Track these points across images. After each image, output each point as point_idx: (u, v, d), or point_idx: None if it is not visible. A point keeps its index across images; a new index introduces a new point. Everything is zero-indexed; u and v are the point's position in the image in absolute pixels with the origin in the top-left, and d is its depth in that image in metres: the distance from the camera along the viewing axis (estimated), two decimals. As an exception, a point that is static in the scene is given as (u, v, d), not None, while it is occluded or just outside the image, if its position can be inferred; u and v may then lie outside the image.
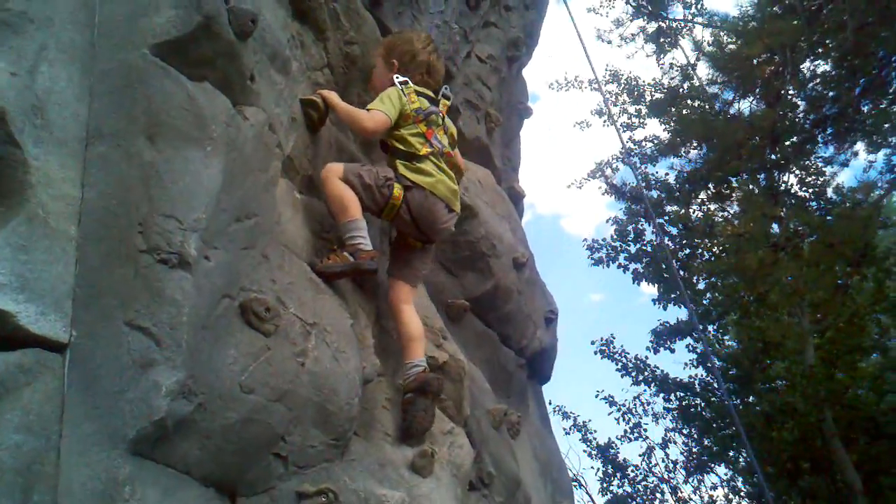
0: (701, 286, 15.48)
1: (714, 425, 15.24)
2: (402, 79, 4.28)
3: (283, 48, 3.72)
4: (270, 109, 3.53)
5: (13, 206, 2.44)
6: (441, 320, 4.77)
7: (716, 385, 15.31)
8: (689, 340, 15.46)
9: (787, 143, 14.77)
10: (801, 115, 15.06)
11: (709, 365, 15.27)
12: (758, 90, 14.98)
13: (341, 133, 4.43)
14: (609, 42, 17.41)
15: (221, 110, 3.07)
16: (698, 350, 15.36)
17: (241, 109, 3.27)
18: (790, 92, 14.87)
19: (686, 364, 15.85)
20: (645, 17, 16.47)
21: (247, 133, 3.22)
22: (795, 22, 13.10)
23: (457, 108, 5.60)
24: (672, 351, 15.39)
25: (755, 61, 14.06)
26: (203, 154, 2.89)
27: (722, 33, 15.93)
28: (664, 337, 15.35)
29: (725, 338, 17.12)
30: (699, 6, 16.31)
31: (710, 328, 15.94)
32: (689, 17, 16.53)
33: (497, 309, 5.73)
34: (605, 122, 17.22)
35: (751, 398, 15.49)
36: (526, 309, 6.09)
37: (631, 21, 16.92)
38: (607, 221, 16.09)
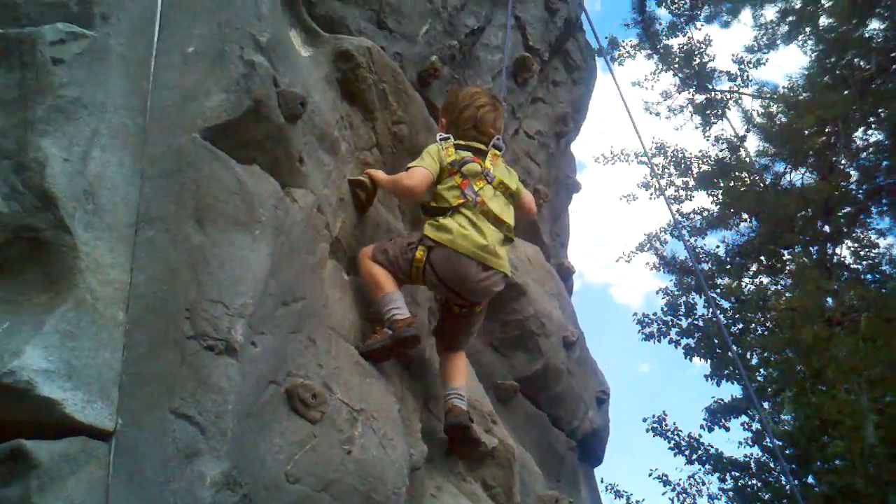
0: (754, 361, 15.10)
1: (772, 508, 14.72)
2: (442, 135, 4.21)
3: (331, 129, 3.73)
4: (319, 191, 3.52)
5: (62, 292, 2.44)
6: (490, 403, 4.66)
7: (772, 465, 14.83)
8: (744, 418, 15.04)
9: (840, 214, 14.53)
10: (854, 186, 14.84)
11: (767, 444, 14.80)
12: (810, 162, 14.83)
13: (389, 213, 4.41)
14: (657, 114, 17.45)
15: (270, 193, 3.07)
16: (753, 428, 14.92)
17: (289, 192, 3.27)
18: (842, 162, 14.70)
19: (740, 443, 15.38)
20: (692, 90, 16.49)
21: (295, 216, 3.21)
22: (847, 92, 12.98)
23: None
24: (727, 430, 14.97)
25: (806, 132, 13.93)
26: (251, 238, 2.88)
27: (772, 105, 15.88)
28: (718, 415, 14.96)
29: (782, 415, 16.66)
30: (745, 77, 16.32)
31: (765, 405, 15.52)
32: (736, 89, 16.52)
33: (547, 389, 5.60)
34: (651, 195, 17.12)
35: (809, 478, 14.96)
36: (577, 389, 5.95)
37: (678, 93, 16.96)
38: (657, 293, 15.86)
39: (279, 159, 3.23)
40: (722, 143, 16.79)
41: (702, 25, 15.33)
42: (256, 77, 3.05)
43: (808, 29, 14.67)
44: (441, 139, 4.17)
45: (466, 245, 3.86)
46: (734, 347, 13.40)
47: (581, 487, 6.14)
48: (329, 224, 3.60)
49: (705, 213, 16.35)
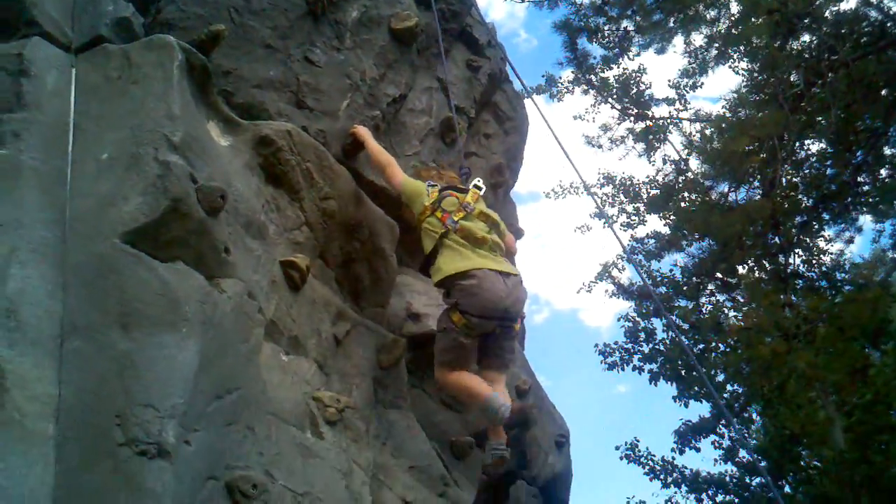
0: (720, 378, 15.21)
1: (751, 522, 14.77)
2: (431, 183, 4.63)
3: (257, 215, 3.78)
4: (248, 277, 3.56)
5: (-12, 414, 2.46)
6: (441, 466, 4.67)
7: (748, 479, 14.93)
8: (713, 437, 15.11)
9: (790, 225, 14.75)
10: (801, 196, 15.08)
11: (739, 459, 14.91)
12: (752, 179, 15.07)
13: (326, 287, 4.45)
14: (600, 146, 17.62)
15: (195, 289, 3.10)
16: (724, 446, 15.00)
17: (217, 283, 3.30)
18: (789, 172, 14.91)
19: (716, 460, 15.45)
20: (631, 119, 16.72)
21: (224, 307, 3.24)
22: (779, 109, 13.23)
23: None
24: (698, 450, 15.01)
25: (746, 150, 14.14)
26: (178, 337, 2.91)
27: (708, 128, 16.14)
28: (689, 436, 15.01)
29: (753, 428, 16.80)
30: (683, 101, 16.59)
31: (734, 421, 15.61)
32: (675, 113, 16.79)
33: (503, 440, 5.63)
34: (604, 223, 17.28)
35: (786, 489, 15.05)
36: (534, 436, 5.99)
37: (618, 124, 17.17)
38: (617, 320, 16.01)
39: (204, 253, 3.26)
40: (668, 167, 17.02)
41: (636, 55, 15.57)
42: (172, 176, 3.10)
43: (741, 48, 14.97)
44: (429, 185, 4.60)
45: (482, 262, 4.22)
46: (699, 366, 13.60)
47: (547, 533, 6.16)
48: (262, 308, 3.63)
49: (659, 237, 16.51)
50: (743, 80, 15.61)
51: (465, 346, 4.22)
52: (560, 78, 16.61)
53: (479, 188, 4.72)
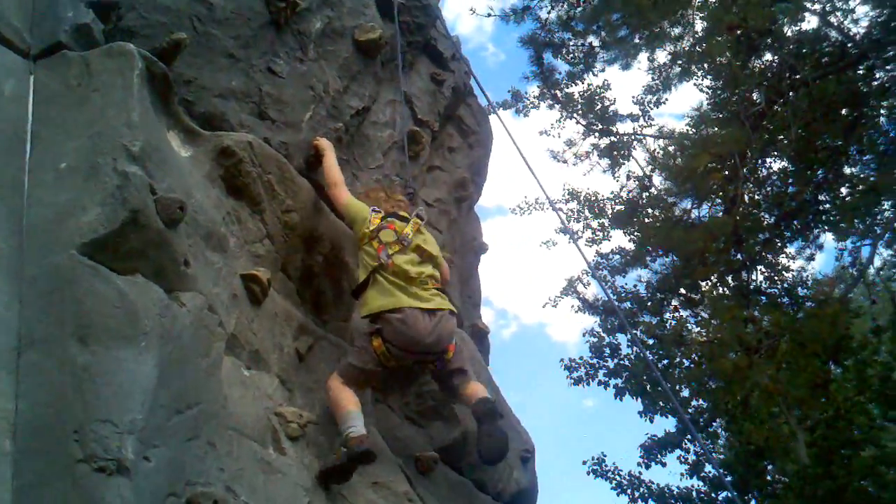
0: (685, 394, 15.31)
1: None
2: (375, 209, 4.68)
3: (218, 227, 3.73)
4: (209, 290, 3.50)
5: (-58, 430, 2.39)
6: (404, 481, 4.61)
7: (713, 494, 15.00)
8: (679, 452, 15.21)
9: (752, 242, 14.90)
10: (763, 213, 15.25)
11: (704, 475, 14.98)
12: (715, 196, 15.21)
13: (287, 300, 4.41)
14: (565, 162, 17.74)
15: (154, 302, 3.05)
16: (689, 461, 15.08)
17: (176, 296, 3.25)
18: (750, 189, 15.06)
19: (682, 475, 15.55)
20: (596, 134, 16.85)
21: (183, 320, 3.18)
22: (741, 127, 13.38)
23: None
24: (663, 465, 15.11)
25: (708, 166, 14.28)
26: (136, 351, 2.85)
27: (671, 145, 16.32)
28: (654, 451, 15.10)
29: (719, 442, 16.92)
30: (647, 118, 16.74)
31: (699, 436, 15.70)
32: (639, 129, 16.94)
33: (468, 455, 5.58)
34: (569, 239, 17.39)
35: (752, 503, 15.17)
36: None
37: (583, 140, 17.32)
38: (583, 335, 16.10)
39: (163, 265, 3.21)
40: (632, 183, 17.16)
41: (601, 71, 15.68)
42: (131, 187, 3.04)
43: (704, 66, 15.15)
44: (373, 211, 4.65)
45: (409, 301, 4.32)
46: (664, 381, 13.65)
47: (513, 548, 6.12)
48: (223, 322, 3.58)
49: (623, 253, 16.62)
50: (706, 98, 15.86)
51: (369, 372, 4.39)
52: (526, 93, 16.74)
53: (421, 218, 4.80)
